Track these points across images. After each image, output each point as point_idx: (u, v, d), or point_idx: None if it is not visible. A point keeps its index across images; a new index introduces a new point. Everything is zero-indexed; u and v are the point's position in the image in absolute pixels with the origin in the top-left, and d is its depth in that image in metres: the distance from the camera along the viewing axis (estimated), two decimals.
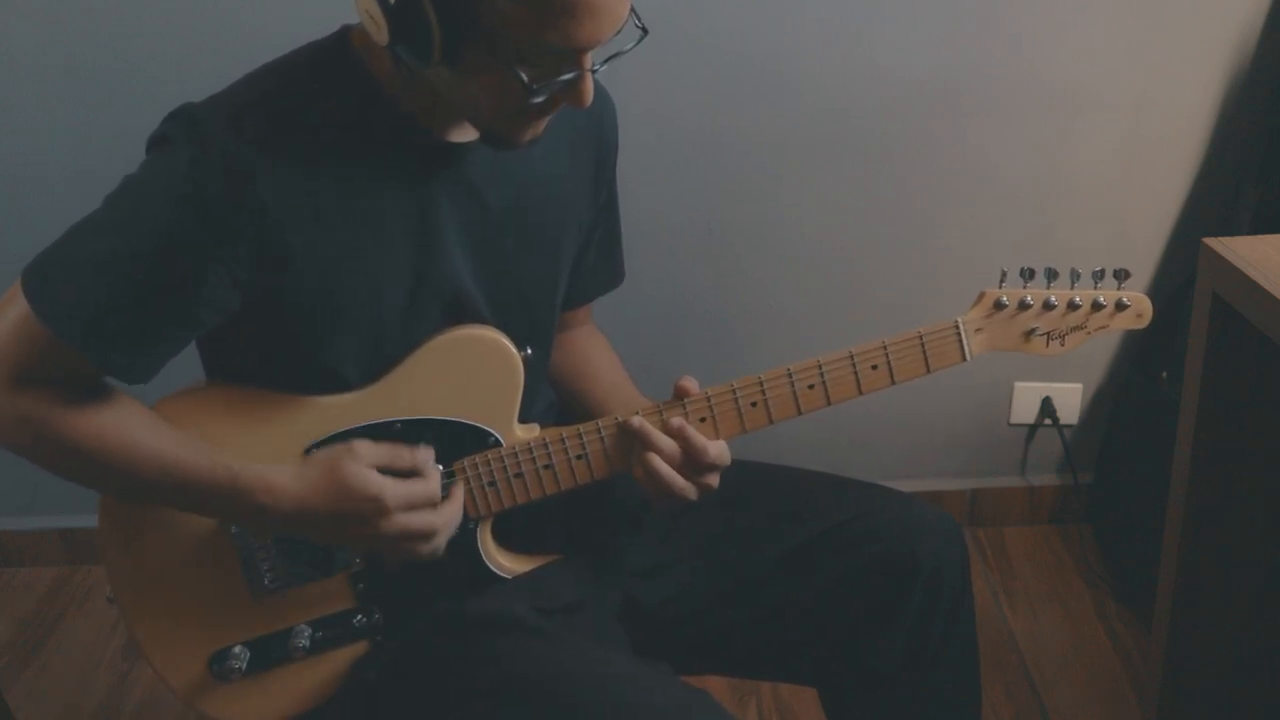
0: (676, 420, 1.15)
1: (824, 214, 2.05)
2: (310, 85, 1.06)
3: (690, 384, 1.16)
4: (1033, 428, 2.27)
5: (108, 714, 1.94)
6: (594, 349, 1.38)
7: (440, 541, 1.11)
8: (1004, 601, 2.14)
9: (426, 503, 1.10)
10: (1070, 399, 2.23)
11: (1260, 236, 1.39)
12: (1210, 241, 1.39)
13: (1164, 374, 2.02)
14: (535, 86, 0.98)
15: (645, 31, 1.03)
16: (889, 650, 1.25)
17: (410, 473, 1.10)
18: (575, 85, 1.01)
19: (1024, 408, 2.24)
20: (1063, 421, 2.24)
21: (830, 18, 1.91)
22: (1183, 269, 2.09)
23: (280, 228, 1.03)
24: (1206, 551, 1.49)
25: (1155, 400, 2.01)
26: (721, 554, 1.28)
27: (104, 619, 2.14)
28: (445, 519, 1.11)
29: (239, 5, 1.84)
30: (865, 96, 1.96)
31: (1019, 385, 2.21)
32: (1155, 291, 2.13)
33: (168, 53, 1.86)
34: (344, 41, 1.08)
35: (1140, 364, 2.11)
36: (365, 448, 1.09)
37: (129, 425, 1.07)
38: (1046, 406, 2.23)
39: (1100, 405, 2.25)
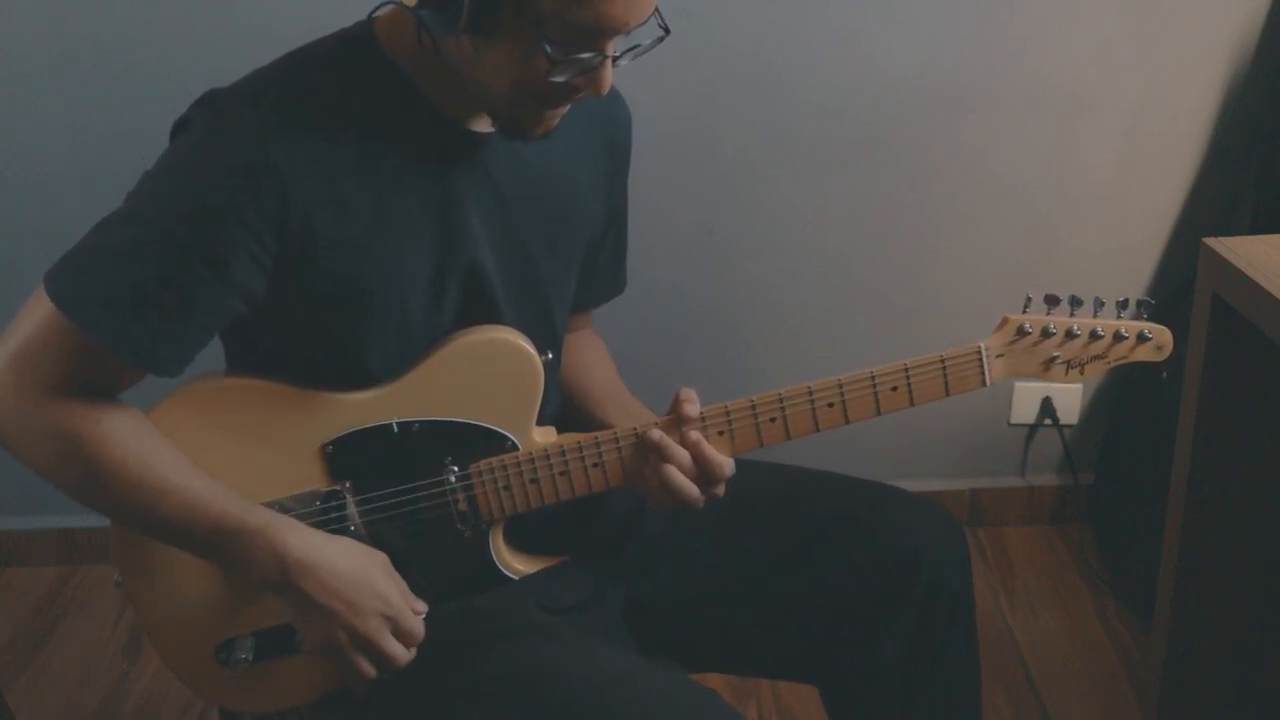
0: (694, 435, 1.15)
1: (825, 214, 2.05)
2: (333, 69, 1.07)
3: (689, 394, 1.16)
4: (1033, 428, 2.27)
5: (108, 714, 1.93)
6: (594, 355, 1.37)
7: (382, 672, 1.13)
8: (1004, 601, 2.14)
9: (409, 637, 1.12)
10: (1070, 399, 2.23)
11: (1260, 236, 1.40)
12: (1210, 241, 1.39)
13: (1164, 374, 2.02)
14: (558, 59, 0.97)
15: (667, 31, 1.03)
16: (890, 647, 1.24)
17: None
18: (595, 71, 1.00)
19: (1024, 407, 2.24)
20: (1063, 421, 2.24)
21: (830, 18, 1.90)
22: (1183, 269, 2.09)
23: (300, 205, 1.03)
24: (1206, 551, 1.49)
25: (1155, 400, 2.01)
26: (723, 552, 1.28)
27: (104, 619, 2.13)
28: (405, 661, 1.13)
29: (239, 5, 1.85)
30: (865, 97, 1.96)
31: (1019, 385, 2.21)
32: (1155, 291, 2.13)
33: (168, 53, 1.86)
34: (369, 29, 1.09)
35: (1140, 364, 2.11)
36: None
37: (155, 461, 1.06)
38: (1046, 406, 2.23)
39: (1100, 405, 2.25)
